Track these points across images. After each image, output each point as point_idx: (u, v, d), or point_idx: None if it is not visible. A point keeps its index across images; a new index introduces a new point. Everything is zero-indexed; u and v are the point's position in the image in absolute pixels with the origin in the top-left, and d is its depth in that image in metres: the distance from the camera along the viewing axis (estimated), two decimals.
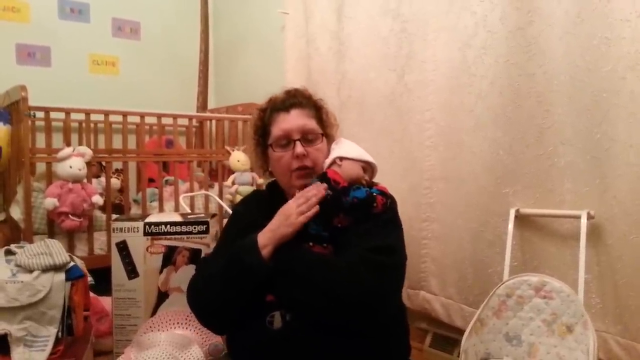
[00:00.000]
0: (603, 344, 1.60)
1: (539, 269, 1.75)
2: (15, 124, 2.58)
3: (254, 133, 1.37)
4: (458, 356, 1.99)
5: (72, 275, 1.68)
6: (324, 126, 1.35)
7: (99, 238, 2.67)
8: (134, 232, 1.98)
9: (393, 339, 1.24)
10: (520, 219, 1.82)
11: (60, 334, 1.63)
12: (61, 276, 1.65)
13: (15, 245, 1.79)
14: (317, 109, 1.35)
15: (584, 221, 1.60)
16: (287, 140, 1.28)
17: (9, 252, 1.72)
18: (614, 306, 1.60)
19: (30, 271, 1.63)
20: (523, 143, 1.80)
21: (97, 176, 3.02)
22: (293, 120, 1.29)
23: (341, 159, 1.27)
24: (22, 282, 1.60)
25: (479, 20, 1.91)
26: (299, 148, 1.26)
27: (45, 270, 1.64)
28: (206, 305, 1.26)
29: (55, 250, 1.70)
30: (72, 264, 1.70)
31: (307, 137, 1.29)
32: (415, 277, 2.23)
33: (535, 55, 1.74)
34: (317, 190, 1.21)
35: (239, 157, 3.02)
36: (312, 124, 1.30)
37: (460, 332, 1.78)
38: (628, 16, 1.51)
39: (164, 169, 3.10)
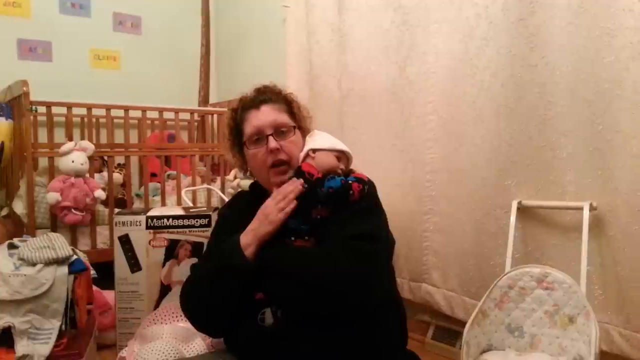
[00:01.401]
0: (605, 335, 1.60)
1: (541, 260, 1.75)
2: (17, 118, 2.59)
3: (228, 134, 1.37)
4: (460, 348, 1.99)
5: (75, 268, 1.69)
6: (297, 119, 1.34)
7: (102, 232, 2.68)
8: (136, 225, 1.99)
9: (384, 328, 1.23)
10: (523, 210, 1.82)
11: (63, 326, 1.64)
12: (64, 269, 1.66)
13: (18, 239, 1.80)
14: (287, 103, 1.35)
15: (586, 212, 1.60)
16: (259, 136, 1.28)
17: (12, 246, 1.73)
18: (616, 297, 1.60)
19: (33, 264, 1.64)
20: (525, 134, 1.80)
21: (100, 171, 3.03)
22: (264, 116, 1.29)
23: (314, 150, 1.28)
24: (25, 275, 1.61)
25: (480, 11, 1.90)
26: (272, 142, 1.26)
27: (48, 263, 1.65)
28: (197, 309, 1.27)
29: (58, 243, 1.71)
30: (74, 257, 1.71)
31: (279, 131, 1.29)
32: (417, 269, 2.23)
33: (538, 46, 1.73)
34: (293, 186, 1.21)
35: None
36: (283, 117, 1.30)
37: (463, 324, 1.78)
38: (631, 6, 1.50)
39: (166, 164, 3.10)
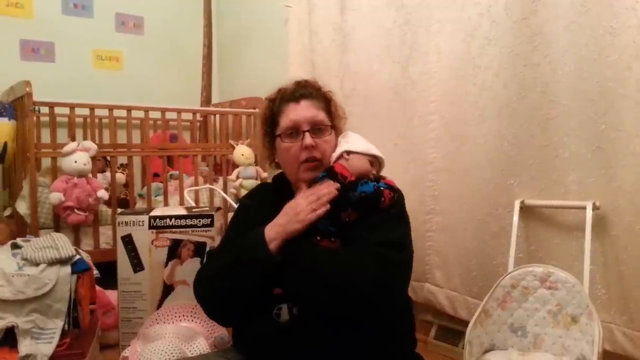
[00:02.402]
0: (608, 334, 1.60)
1: (544, 260, 1.75)
2: (20, 119, 2.60)
3: (262, 123, 1.36)
4: (463, 348, 1.99)
5: (78, 268, 1.69)
6: (333, 118, 1.33)
7: (105, 232, 2.68)
8: (139, 225, 1.99)
9: (398, 333, 1.24)
10: (525, 210, 1.81)
11: (66, 326, 1.64)
12: (67, 269, 1.66)
13: (21, 239, 1.81)
14: (326, 101, 1.34)
15: (589, 212, 1.60)
16: (295, 131, 1.27)
17: (15, 246, 1.74)
18: (619, 297, 1.60)
19: (37, 264, 1.64)
20: (528, 134, 1.80)
21: (102, 171, 3.04)
22: (302, 111, 1.28)
23: (348, 152, 1.26)
24: (28, 275, 1.61)
25: (483, 10, 1.90)
26: (308, 139, 1.25)
27: (51, 263, 1.65)
28: (213, 297, 1.26)
29: (61, 243, 1.71)
30: (77, 257, 1.71)
31: (316, 129, 1.28)
32: (420, 269, 2.23)
33: (540, 45, 1.73)
34: (329, 189, 1.20)
35: (243, 151, 3.02)
36: (321, 115, 1.29)
37: (465, 323, 1.78)
38: (634, 4, 1.49)
39: (168, 164, 3.10)
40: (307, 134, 1.25)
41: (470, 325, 1.44)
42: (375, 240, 1.14)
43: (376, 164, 1.31)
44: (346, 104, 2.52)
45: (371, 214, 1.20)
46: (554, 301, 1.43)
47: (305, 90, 1.32)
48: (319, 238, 1.20)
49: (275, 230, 1.18)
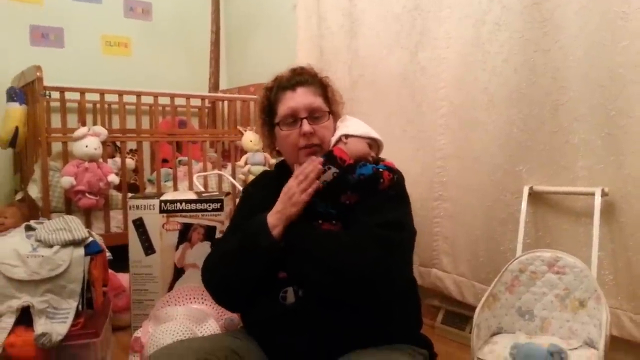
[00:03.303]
0: (616, 320, 1.60)
1: (551, 246, 1.75)
2: (31, 104, 2.61)
3: (260, 112, 1.38)
4: (470, 332, 2.01)
5: (91, 250, 1.71)
6: (330, 104, 1.34)
7: (115, 216, 2.71)
8: (150, 209, 2.02)
9: (403, 313, 1.25)
10: (534, 196, 1.82)
11: (80, 307, 1.67)
12: (80, 251, 1.69)
13: (34, 221, 1.83)
14: (323, 87, 1.35)
15: (597, 198, 1.60)
16: (293, 119, 1.28)
17: (29, 228, 1.76)
18: (627, 283, 1.60)
19: (50, 246, 1.67)
20: (538, 120, 1.79)
21: (112, 156, 3.06)
22: (299, 98, 1.29)
23: (347, 136, 1.28)
24: (42, 256, 1.64)
25: None
26: (306, 126, 1.26)
27: (65, 245, 1.68)
28: (220, 284, 1.29)
29: (74, 225, 1.74)
30: (90, 239, 1.73)
31: (313, 115, 1.29)
32: (427, 255, 2.25)
33: (551, 30, 1.72)
34: (313, 165, 1.22)
35: (251, 137, 3.04)
36: (318, 102, 1.31)
37: (472, 308, 1.79)
38: None
39: (177, 150, 3.12)
40: (304, 121, 1.27)
41: (478, 308, 1.45)
42: (374, 221, 1.15)
43: (375, 147, 1.32)
44: (354, 90, 2.54)
45: (371, 195, 1.21)
46: (561, 285, 1.44)
47: (301, 77, 1.32)
48: (320, 222, 1.22)
49: (276, 217, 1.20)
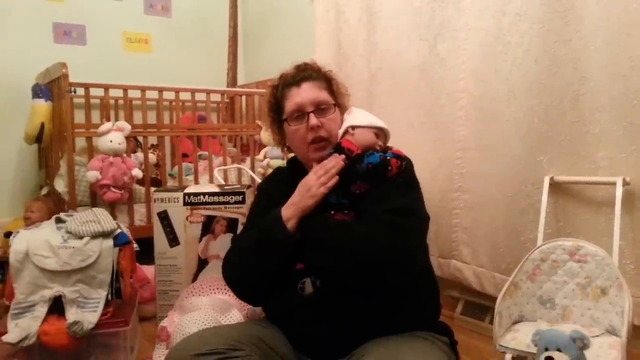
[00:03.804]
0: (638, 309, 1.60)
1: (572, 235, 1.76)
2: (57, 100, 2.67)
3: (268, 110, 1.41)
4: (490, 322, 2.03)
5: (120, 241, 1.76)
6: (336, 96, 1.37)
7: (139, 210, 2.77)
8: (174, 202, 2.06)
9: (420, 301, 1.27)
10: (554, 186, 1.83)
11: (109, 296, 1.73)
12: (109, 242, 1.74)
13: (64, 213, 1.89)
14: (327, 81, 1.38)
15: (619, 188, 1.61)
16: (300, 113, 1.32)
17: (59, 220, 1.82)
18: None
19: (80, 237, 1.72)
20: (558, 110, 1.80)
21: (134, 151, 3.11)
22: (305, 93, 1.32)
23: (353, 127, 1.30)
24: (73, 247, 1.69)
25: None
26: (313, 120, 1.29)
27: (94, 236, 1.73)
28: (240, 279, 1.33)
29: (102, 217, 1.79)
30: (119, 230, 1.78)
31: (320, 109, 1.32)
32: (447, 246, 2.26)
33: (572, 20, 1.72)
34: (335, 161, 1.25)
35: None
36: (323, 95, 1.34)
37: (492, 299, 1.81)
38: None
39: (197, 145, 3.17)
40: (311, 114, 1.30)
41: (499, 297, 1.47)
42: (383, 208, 1.18)
43: (382, 136, 1.34)
44: (372, 82, 2.55)
45: (380, 183, 1.24)
46: (582, 274, 1.45)
47: (305, 73, 1.36)
48: (332, 212, 1.24)
49: (290, 210, 1.23)
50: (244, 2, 3.96)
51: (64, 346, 1.60)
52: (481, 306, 2.16)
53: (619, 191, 1.61)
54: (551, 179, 1.81)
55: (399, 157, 1.27)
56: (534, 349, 1.24)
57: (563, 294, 1.48)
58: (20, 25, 3.24)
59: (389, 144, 1.37)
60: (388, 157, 1.25)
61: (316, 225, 1.22)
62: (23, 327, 1.57)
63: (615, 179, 1.63)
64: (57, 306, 1.65)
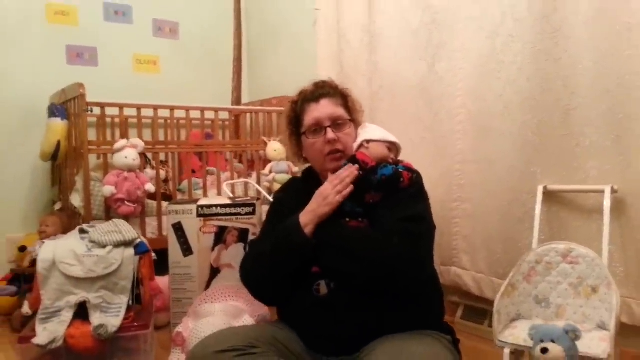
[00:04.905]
0: (627, 308, 1.71)
1: (565, 241, 1.85)
2: (74, 119, 2.79)
3: (288, 124, 1.51)
4: (488, 326, 2.11)
5: (140, 250, 1.86)
6: (351, 112, 1.48)
7: (151, 223, 2.85)
8: (188, 214, 2.16)
9: (428, 302, 1.37)
10: (548, 195, 1.93)
11: (130, 302, 1.82)
12: (130, 251, 1.85)
13: (86, 225, 1.99)
14: (343, 98, 1.48)
15: (607, 195, 1.72)
16: (318, 127, 1.42)
17: (82, 231, 1.92)
18: (637, 274, 1.71)
19: (104, 246, 1.82)
20: (550, 125, 1.91)
21: (143, 168, 3.21)
22: (323, 109, 1.42)
23: (368, 141, 1.41)
24: (97, 255, 1.80)
25: (506, 9, 2.02)
26: (330, 134, 1.39)
27: (117, 245, 1.83)
28: (258, 281, 1.42)
29: (124, 228, 1.89)
30: (139, 240, 1.88)
31: (336, 124, 1.42)
32: (447, 254, 2.36)
33: (561, 41, 1.85)
34: (349, 171, 1.34)
35: (275, 147, 3.17)
36: (340, 111, 1.44)
37: (490, 303, 1.90)
38: None
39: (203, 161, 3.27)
40: (329, 129, 1.40)
41: (498, 296, 1.57)
42: (396, 216, 1.28)
43: (394, 150, 1.46)
44: (374, 100, 2.67)
45: (392, 193, 1.34)
46: (575, 274, 1.56)
47: (323, 90, 1.47)
48: (347, 220, 1.34)
49: (308, 217, 1.33)
50: (248, 24, 4.10)
51: (88, 349, 1.69)
52: (480, 310, 2.25)
53: (607, 198, 1.71)
54: (545, 188, 1.92)
55: (410, 169, 1.38)
56: (530, 343, 1.34)
57: (557, 293, 1.58)
58: (35, 49, 3.37)
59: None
60: (400, 170, 1.35)
61: (332, 231, 1.31)
62: (51, 331, 1.67)
63: (604, 187, 1.74)
64: (82, 311, 1.75)
